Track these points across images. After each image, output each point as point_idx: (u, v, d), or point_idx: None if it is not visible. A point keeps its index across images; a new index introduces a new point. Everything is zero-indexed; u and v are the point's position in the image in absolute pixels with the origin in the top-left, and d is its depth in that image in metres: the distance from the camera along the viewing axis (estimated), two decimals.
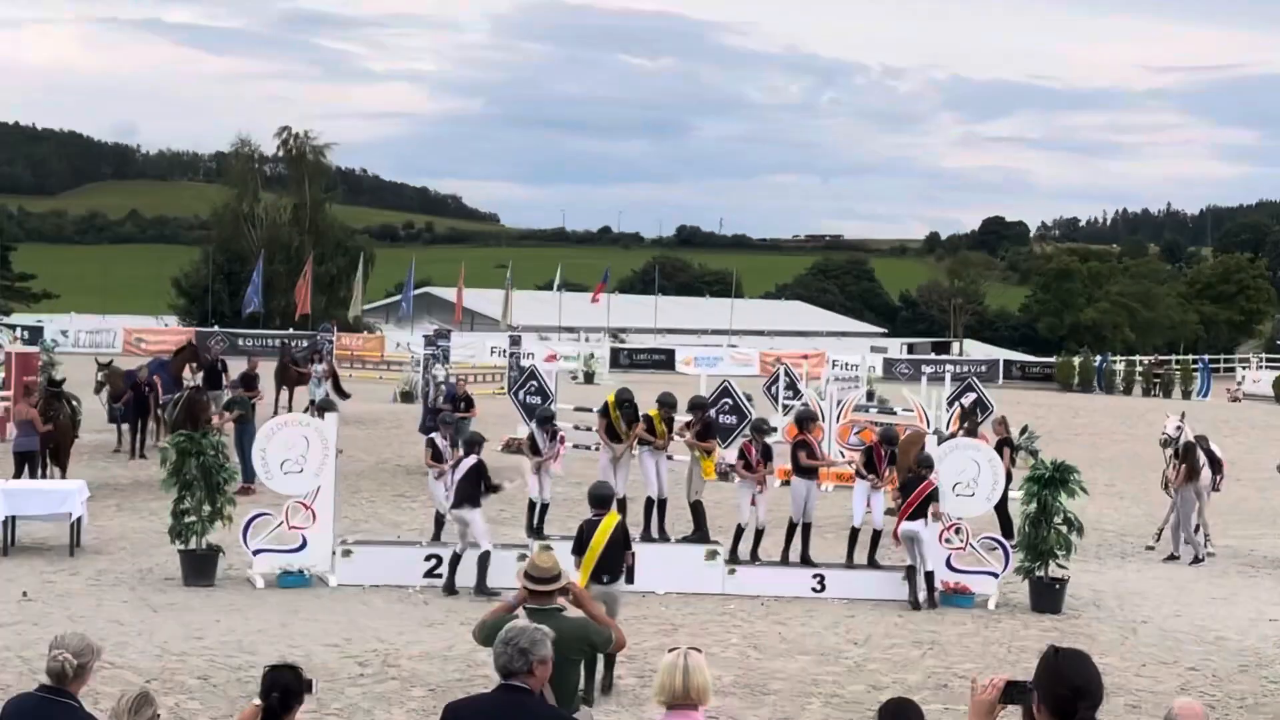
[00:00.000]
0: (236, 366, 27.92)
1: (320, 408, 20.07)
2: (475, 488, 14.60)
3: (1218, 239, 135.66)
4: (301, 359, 32.47)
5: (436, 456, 16.17)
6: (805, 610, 14.91)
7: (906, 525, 15.36)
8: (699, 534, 15.91)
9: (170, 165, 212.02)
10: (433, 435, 16.54)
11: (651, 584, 15.39)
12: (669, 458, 16.90)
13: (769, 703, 11.37)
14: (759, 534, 15.94)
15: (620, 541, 11.33)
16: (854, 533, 16.05)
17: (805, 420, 16.29)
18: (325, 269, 68.77)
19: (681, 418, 17.23)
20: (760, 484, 15.80)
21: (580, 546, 11.32)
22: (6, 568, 15.32)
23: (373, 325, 72.07)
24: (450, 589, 14.57)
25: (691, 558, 15.60)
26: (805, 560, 15.51)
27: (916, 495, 15.28)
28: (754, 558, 15.88)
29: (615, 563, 11.24)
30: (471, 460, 14.84)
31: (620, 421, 15.86)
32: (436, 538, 16.52)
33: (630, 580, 12.57)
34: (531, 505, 15.86)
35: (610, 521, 11.33)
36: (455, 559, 14.72)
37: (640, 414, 15.99)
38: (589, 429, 27.53)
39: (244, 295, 57.46)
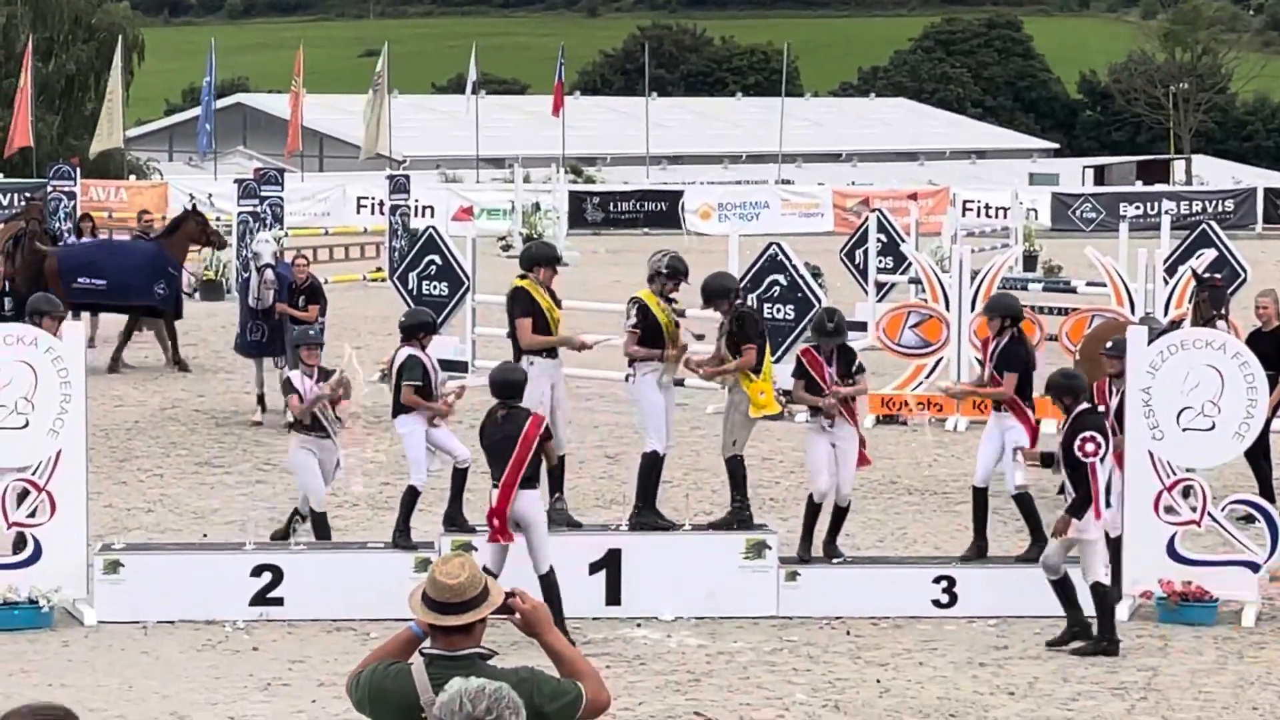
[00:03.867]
0: None
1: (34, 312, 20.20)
2: None
3: None
4: (57, 229, 32.50)
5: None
6: (922, 640, 15.11)
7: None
8: (737, 511, 16.04)
9: None
10: (290, 374, 17.01)
11: (652, 603, 15.57)
12: (679, 382, 16.95)
13: None
14: (840, 512, 16.07)
15: None
16: (979, 496, 16.15)
17: (820, 330, 16.21)
18: (56, 66, 68.26)
19: (694, 315, 17.25)
20: (844, 417, 15.87)
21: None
22: None
23: (145, 165, 71.89)
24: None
25: (722, 555, 15.76)
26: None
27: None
28: (831, 552, 16.04)
29: None
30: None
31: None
32: (285, 534, 16.83)
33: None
34: (412, 492, 15.98)
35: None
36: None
37: (637, 304, 15.99)
38: None
39: None
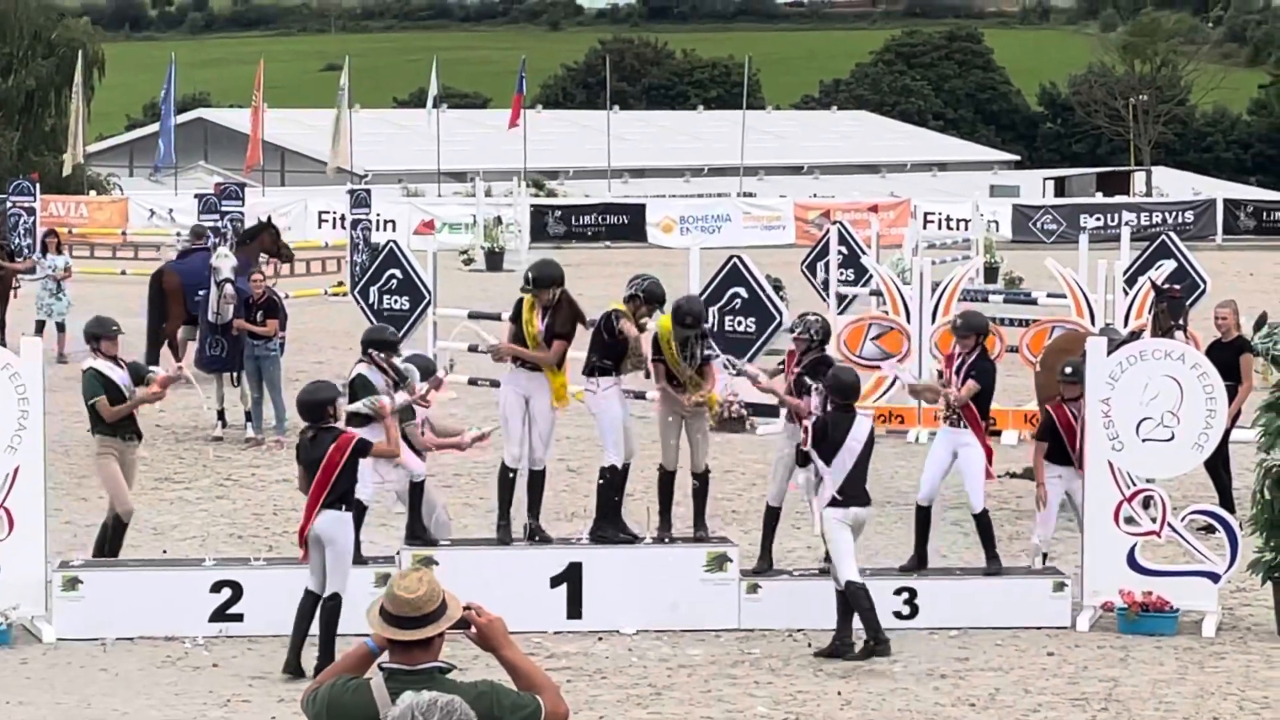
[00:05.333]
0: None
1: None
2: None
3: None
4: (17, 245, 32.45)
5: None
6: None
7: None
8: (699, 524, 16.20)
9: None
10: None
11: (614, 616, 15.59)
12: (639, 395, 16.94)
13: None
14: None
15: None
16: (922, 515, 16.19)
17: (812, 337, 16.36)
18: (15, 82, 68.15)
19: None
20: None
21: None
22: None
23: (105, 180, 71.73)
24: None
25: (683, 568, 15.78)
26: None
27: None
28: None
29: None
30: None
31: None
32: None
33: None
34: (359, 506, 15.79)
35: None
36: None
37: (613, 315, 16.03)
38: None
39: None
